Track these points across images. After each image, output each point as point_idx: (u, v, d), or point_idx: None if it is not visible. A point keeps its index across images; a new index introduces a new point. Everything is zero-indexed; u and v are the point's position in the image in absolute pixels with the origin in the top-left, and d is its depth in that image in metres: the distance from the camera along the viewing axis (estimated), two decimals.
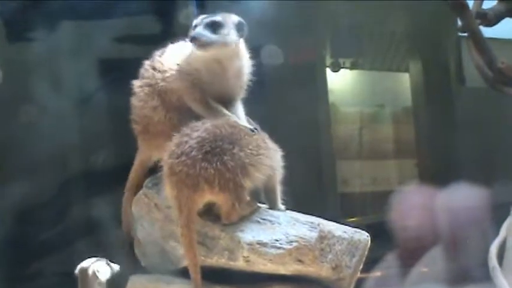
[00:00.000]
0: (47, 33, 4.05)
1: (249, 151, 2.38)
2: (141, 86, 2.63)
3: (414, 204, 3.64)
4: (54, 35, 4.05)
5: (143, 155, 2.69)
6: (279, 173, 2.53)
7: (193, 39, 2.47)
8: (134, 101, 2.64)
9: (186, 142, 2.37)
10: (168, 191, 2.38)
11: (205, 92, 2.55)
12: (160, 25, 4.09)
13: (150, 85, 2.61)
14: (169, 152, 2.39)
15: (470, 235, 3.35)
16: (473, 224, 3.38)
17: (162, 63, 2.61)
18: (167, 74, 2.59)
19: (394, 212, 3.64)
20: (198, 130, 2.39)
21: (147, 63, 2.64)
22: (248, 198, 2.40)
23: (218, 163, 2.33)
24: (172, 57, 2.61)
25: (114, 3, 4.10)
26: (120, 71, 3.52)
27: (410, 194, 3.88)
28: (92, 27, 4.13)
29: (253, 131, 2.48)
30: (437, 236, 3.47)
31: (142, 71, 2.64)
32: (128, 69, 2.71)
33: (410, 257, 3.52)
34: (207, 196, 2.34)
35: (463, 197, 3.51)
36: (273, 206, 2.53)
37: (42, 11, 4.05)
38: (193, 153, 2.34)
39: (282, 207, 2.54)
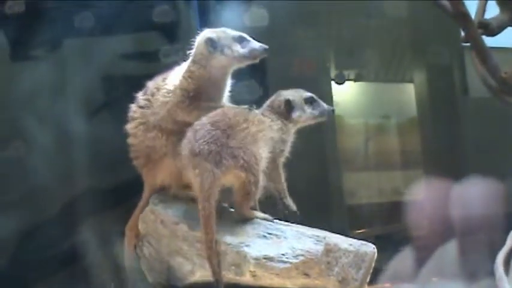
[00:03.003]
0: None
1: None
2: (135, 127, 2.66)
3: (430, 198, 3.64)
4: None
5: (150, 187, 2.68)
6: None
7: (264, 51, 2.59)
8: (132, 141, 2.67)
9: (200, 129, 2.43)
10: (190, 173, 2.40)
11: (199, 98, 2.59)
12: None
13: (143, 123, 2.64)
14: (185, 142, 2.44)
15: (483, 229, 3.35)
16: (487, 218, 3.38)
17: (147, 100, 2.66)
18: (155, 106, 2.63)
19: (411, 205, 3.65)
20: (208, 118, 2.46)
21: (132, 106, 2.68)
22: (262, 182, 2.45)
23: (238, 138, 2.41)
24: (159, 85, 2.67)
25: (116, 21, 4.10)
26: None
27: (427, 187, 3.88)
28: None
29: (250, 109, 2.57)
30: (451, 229, 3.47)
31: (131, 113, 2.67)
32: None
33: (426, 250, 3.52)
34: (230, 171, 2.38)
35: (478, 191, 3.51)
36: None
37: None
38: (212, 133, 2.40)
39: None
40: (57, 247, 3.95)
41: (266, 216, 2.51)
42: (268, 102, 2.68)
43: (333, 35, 4.97)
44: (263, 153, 2.47)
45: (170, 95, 2.63)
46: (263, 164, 2.46)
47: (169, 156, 2.57)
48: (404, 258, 3.62)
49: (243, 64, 2.64)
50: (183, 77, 2.62)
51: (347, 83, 5.13)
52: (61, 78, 4.05)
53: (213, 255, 2.32)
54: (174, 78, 2.65)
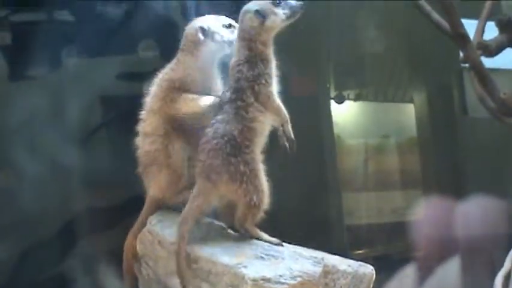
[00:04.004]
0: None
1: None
2: (138, 140, 2.68)
3: (431, 217, 3.64)
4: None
5: (150, 199, 2.68)
6: None
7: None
8: (137, 152, 2.69)
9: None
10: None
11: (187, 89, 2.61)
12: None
13: (144, 134, 2.67)
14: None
15: (485, 248, 3.35)
16: (488, 237, 3.38)
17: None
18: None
19: (412, 224, 3.65)
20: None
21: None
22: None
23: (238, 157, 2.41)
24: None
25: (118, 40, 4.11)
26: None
27: (428, 206, 3.88)
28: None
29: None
30: (455, 246, 3.46)
31: (137, 128, 2.69)
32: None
33: (426, 269, 3.51)
34: (227, 187, 2.41)
35: (479, 210, 3.51)
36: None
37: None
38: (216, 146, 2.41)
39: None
40: (49, 271, 3.96)
41: (271, 239, 2.49)
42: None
43: (333, 55, 4.98)
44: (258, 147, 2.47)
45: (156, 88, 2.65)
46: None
47: (165, 162, 2.58)
48: (405, 278, 3.61)
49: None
50: (170, 68, 2.65)
51: (347, 102, 5.13)
52: (58, 98, 4.06)
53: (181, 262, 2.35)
54: (161, 74, 2.67)
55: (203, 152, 2.42)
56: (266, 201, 2.44)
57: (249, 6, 2.52)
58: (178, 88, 2.60)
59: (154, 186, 2.64)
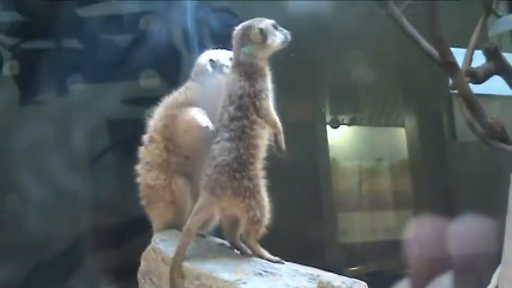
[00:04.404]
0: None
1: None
2: (141, 167, 2.70)
3: (426, 233, 3.64)
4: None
5: (156, 229, 2.71)
6: None
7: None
8: (138, 180, 2.71)
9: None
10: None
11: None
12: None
13: (147, 163, 2.69)
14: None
15: (475, 266, 3.34)
16: (478, 254, 3.38)
17: (150, 136, 2.70)
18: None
19: (407, 240, 3.65)
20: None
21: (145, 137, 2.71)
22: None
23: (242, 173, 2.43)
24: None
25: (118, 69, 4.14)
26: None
27: (422, 224, 3.89)
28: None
29: None
30: (446, 263, 3.46)
31: (139, 155, 2.71)
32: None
33: (421, 284, 3.51)
34: (230, 202, 2.43)
35: (470, 228, 3.51)
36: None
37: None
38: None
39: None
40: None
41: (272, 257, 2.52)
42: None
43: (329, 82, 5.00)
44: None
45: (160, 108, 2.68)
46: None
47: (170, 199, 2.60)
48: None
49: None
50: (178, 92, 2.69)
51: (341, 127, 5.15)
52: (66, 122, 4.08)
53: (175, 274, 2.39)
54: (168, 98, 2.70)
55: (210, 166, 2.44)
56: (267, 216, 2.47)
57: (253, 23, 2.56)
58: (181, 104, 2.63)
59: (160, 220, 2.67)
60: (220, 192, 2.42)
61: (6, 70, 4.14)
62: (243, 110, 2.47)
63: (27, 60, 4.12)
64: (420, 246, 3.61)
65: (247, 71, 2.51)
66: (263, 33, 2.54)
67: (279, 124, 2.52)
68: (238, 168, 2.43)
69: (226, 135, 2.46)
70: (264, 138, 2.50)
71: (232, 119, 2.47)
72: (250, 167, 2.44)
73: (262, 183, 2.48)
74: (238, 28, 2.59)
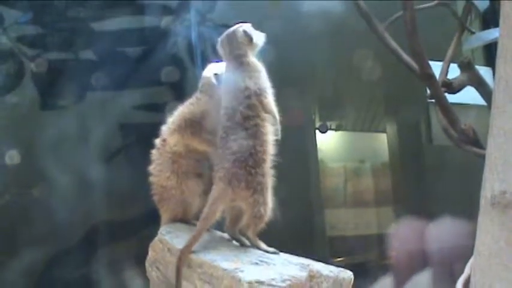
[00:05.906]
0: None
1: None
2: (153, 168, 2.65)
3: (408, 234, 3.63)
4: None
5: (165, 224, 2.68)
6: None
7: None
8: (151, 179, 2.66)
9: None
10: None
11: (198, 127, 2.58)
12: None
13: (159, 164, 2.64)
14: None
15: (450, 260, 3.33)
16: (453, 249, 3.36)
17: (163, 140, 2.65)
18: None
19: (392, 240, 3.64)
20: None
21: (157, 141, 2.66)
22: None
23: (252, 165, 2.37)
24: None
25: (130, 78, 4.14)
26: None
27: (405, 225, 3.88)
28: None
29: None
30: (425, 262, 3.45)
31: (151, 156, 2.66)
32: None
33: (402, 276, 3.49)
34: (241, 194, 2.38)
35: (448, 228, 3.50)
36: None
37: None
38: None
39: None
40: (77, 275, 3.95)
41: (268, 248, 2.48)
42: None
43: (318, 91, 5.01)
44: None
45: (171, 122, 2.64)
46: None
47: (180, 198, 2.58)
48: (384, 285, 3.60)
49: None
50: (190, 103, 2.63)
51: (329, 132, 5.15)
52: (83, 125, 4.07)
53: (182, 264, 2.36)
54: (181, 107, 2.65)
55: (229, 161, 2.37)
56: (269, 213, 2.44)
57: (236, 28, 2.53)
58: (193, 120, 2.59)
59: (168, 215, 2.63)
60: (236, 184, 2.37)
61: (27, 78, 4.12)
62: (253, 109, 2.41)
63: (46, 69, 4.11)
64: (400, 243, 3.60)
65: (245, 70, 2.47)
66: (248, 34, 2.51)
67: (278, 115, 2.47)
68: (253, 165, 2.36)
69: (242, 133, 2.39)
70: (272, 134, 2.45)
71: (245, 118, 2.40)
72: (263, 164, 2.39)
73: (271, 181, 2.44)
74: (222, 37, 2.54)
